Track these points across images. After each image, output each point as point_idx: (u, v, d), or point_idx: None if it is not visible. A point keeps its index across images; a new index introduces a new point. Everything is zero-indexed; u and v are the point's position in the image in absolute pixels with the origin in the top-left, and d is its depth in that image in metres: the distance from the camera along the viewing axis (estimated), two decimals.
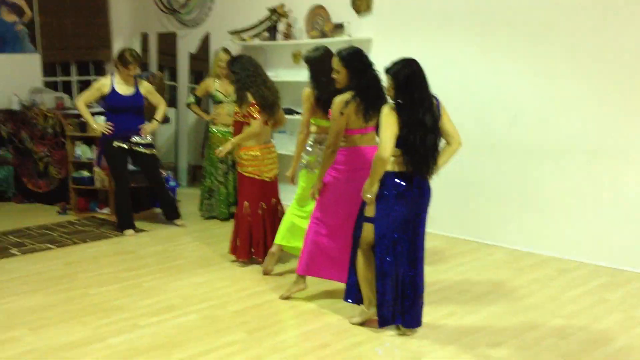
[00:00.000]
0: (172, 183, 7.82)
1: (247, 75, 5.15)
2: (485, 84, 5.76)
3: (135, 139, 6.45)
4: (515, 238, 5.75)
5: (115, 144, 6.39)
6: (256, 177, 5.32)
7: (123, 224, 6.60)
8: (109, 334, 4.10)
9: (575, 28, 5.23)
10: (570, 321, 4.21)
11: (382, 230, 3.88)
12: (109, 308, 4.55)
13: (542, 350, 3.81)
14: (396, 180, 3.80)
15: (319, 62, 4.65)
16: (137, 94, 6.44)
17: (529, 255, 5.57)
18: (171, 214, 6.97)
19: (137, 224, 6.71)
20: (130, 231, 6.55)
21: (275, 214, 5.49)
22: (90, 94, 6.44)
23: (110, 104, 6.40)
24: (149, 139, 6.60)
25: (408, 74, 3.70)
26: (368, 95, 4.13)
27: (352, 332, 4.08)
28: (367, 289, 4.07)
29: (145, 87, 6.53)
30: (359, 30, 6.52)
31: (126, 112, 6.39)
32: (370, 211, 3.93)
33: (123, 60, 6.27)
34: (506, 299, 4.63)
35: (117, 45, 9.44)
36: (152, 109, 6.65)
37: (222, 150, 5.48)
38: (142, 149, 6.51)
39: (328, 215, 4.45)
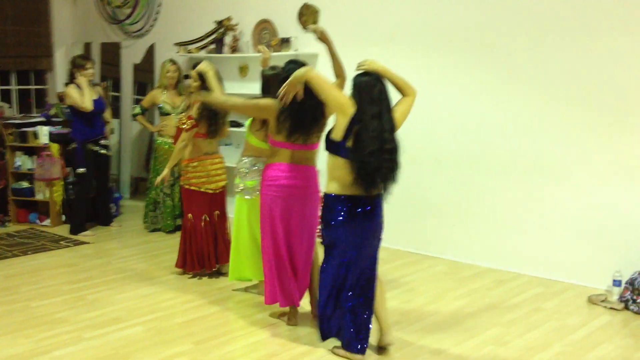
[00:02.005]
0: (116, 194, 7.78)
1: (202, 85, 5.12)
2: (429, 100, 5.89)
3: (102, 141, 6.95)
4: (457, 250, 5.93)
5: (89, 147, 6.80)
6: (196, 189, 5.33)
7: (79, 227, 6.87)
8: (52, 347, 4.05)
9: (513, 48, 5.45)
10: (508, 329, 4.38)
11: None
12: (52, 321, 4.49)
13: (481, 357, 3.96)
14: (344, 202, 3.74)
15: (273, 79, 4.36)
16: (100, 98, 6.89)
17: (469, 267, 5.74)
18: (108, 218, 7.29)
19: (79, 237, 6.72)
20: (88, 232, 6.87)
21: (220, 227, 5.47)
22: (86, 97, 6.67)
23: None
24: (107, 142, 7.07)
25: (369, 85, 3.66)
26: (296, 114, 3.99)
27: (299, 342, 4.14)
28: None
29: (98, 91, 7.01)
30: (305, 46, 6.62)
31: (96, 116, 6.82)
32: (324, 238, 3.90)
33: (77, 65, 6.74)
34: (447, 308, 4.77)
35: (59, 54, 9.30)
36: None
37: (158, 180, 5.56)
38: (105, 151, 7.02)
39: (274, 237, 4.20)
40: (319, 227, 3.97)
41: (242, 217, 4.75)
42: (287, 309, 4.44)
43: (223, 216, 5.51)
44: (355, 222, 3.74)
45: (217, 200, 5.44)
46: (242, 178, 4.72)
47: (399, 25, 6.08)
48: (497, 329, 4.39)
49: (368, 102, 3.63)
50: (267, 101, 4.09)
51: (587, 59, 5.09)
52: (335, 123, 3.74)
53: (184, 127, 5.24)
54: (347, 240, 3.77)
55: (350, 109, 3.65)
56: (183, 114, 5.57)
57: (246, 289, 5.11)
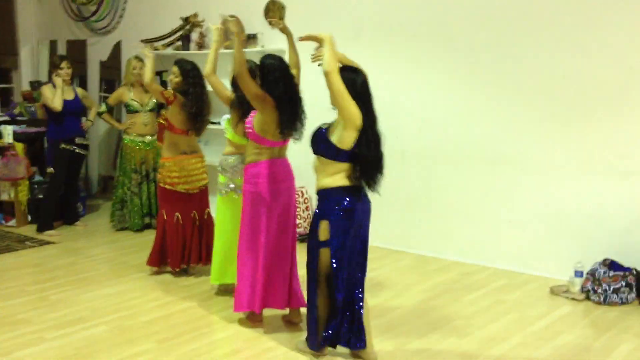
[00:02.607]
0: (82, 194, 7.72)
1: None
2: (394, 94, 5.94)
3: (78, 140, 6.91)
4: (422, 244, 5.98)
5: (62, 146, 6.77)
6: (171, 188, 5.23)
7: (46, 225, 6.83)
8: (14, 348, 4.02)
9: (476, 43, 5.51)
10: (469, 321, 4.43)
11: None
12: (14, 322, 4.45)
13: (443, 350, 4.00)
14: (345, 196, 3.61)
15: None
16: (77, 98, 6.92)
17: (435, 260, 5.80)
18: (73, 217, 7.25)
19: (43, 237, 6.69)
20: (53, 232, 6.80)
21: (196, 227, 5.33)
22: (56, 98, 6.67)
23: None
24: (85, 140, 7.09)
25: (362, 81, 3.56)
26: (286, 109, 3.98)
27: (262, 339, 4.15)
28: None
29: (80, 92, 7.12)
30: (272, 42, 6.61)
31: (70, 116, 6.80)
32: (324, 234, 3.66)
33: (53, 65, 6.88)
34: (410, 302, 4.81)
35: (24, 52, 9.21)
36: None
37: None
38: (81, 151, 7.01)
39: (258, 237, 4.15)
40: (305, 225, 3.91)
41: (227, 217, 4.67)
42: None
43: (201, 217, 5.37)
44: (354, 214, 3.62)
45: (194, 201, 5.32)
46: (230, 176, 4.65)
47: (363, 19, 6.12)
48: (459, 321, 4.44)
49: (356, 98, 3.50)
50: (267, 95, 3.96)
51: (548, 54, 5.16)
52: (341, 133, 3.52)
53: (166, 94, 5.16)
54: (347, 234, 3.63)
55: (360, 120, 3.49)
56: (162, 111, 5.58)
57: (218, 290, 4.99)
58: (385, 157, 3.61)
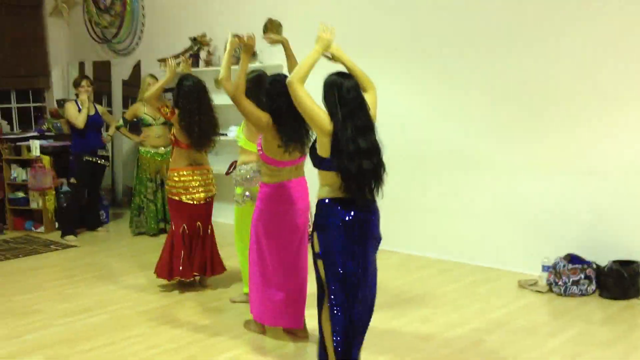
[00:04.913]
0: (105, 202, 8.35)
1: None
2: (379, 101, 6.38)
3: (99, 152, 7.58)
4: (408, 243, 6.38)
5: (85, 158, 7.42)
6: (177, 199, 5.36)
7: (68, 230, 7.48)
8: (24, 332, 4.60)
9: (447, 55, 5.95)
10: (435, 310, 4.83)
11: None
12: (28, 312, 5.03)
13: (405, 333, 4.42)
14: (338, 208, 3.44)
15: (250, 83, 4.33)
16: (97, 114, 7.56)
17: (419, 259, 6.20)
18: (96, 223, 7.89)
19: (66, 241, 7.34)
20: (73, 237, 7.42)
21: (200, 238, 5.42)
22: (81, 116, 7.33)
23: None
24: (106, 152, 7.80)
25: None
26: (286, 121, 3.94)
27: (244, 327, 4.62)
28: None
29: (100, 109, 7.73)
30: (270, 58, 7.14)
31: (91, 131, 7.45)
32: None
33: (75, 84, 7.59)
34: (388, 294, 5.20)
35: (55, 73, 9.94)
36: None
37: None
38: (102, 162, 7.68)
39: (265, 256, 4.23)
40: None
41: (247, 227, 4.52)
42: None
43: (205, 228, 5.45)
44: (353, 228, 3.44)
45: (199, 211, 5.38)
46: (246, 185, 4.70)
47: (347, 35, 6.51)
48: (426, 310, 4.85)
49: (336, 103, 3.37)
50: (264, 115, 4.00)
51: (508, 61, 5.60)
52: (318, 139, 3.50)
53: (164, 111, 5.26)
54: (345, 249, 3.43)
55: (327, 125, 3.37)
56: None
57: (230, 300, 5.18)
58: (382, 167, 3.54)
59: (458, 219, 6.04)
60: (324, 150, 3.43)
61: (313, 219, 3.59)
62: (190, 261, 5.38)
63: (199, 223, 5.42)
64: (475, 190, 5.91)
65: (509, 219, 5.70)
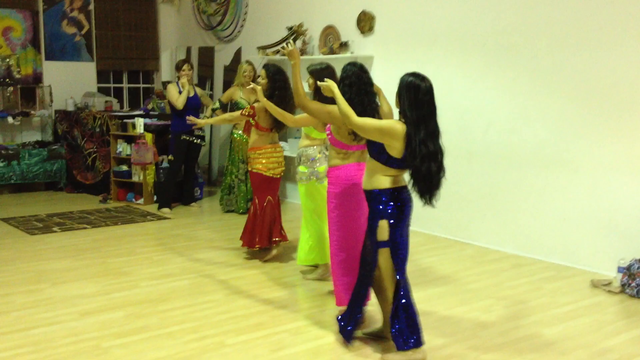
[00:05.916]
0: (200, 180, 8.84)
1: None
2: (464, 97, 6.46)
3: (197, 132, 8.08)
4: (485, 236, 6.41)
5: (183, 137, 7.97)
6: (264, 173, 5.79)
7: (164, 203, 8.07)
8: (113, 291, 5.04)
9: (537, 50, 5.89)
10: (498, 302, 4.88)
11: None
12: (119, 273, 5.50)
13: (465, 319, 4.51)
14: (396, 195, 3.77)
15: (318, 74, 4.71)
16: (195, 95, 8.04)
17: (494, 252, 6.21)
18: (190, 199, 8.41)
19: (161, 213, 7.88)
20: (167, 210, 8.00)
21: (278, 208, 6.02)
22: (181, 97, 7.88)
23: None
24: (203, 133, 8.33)
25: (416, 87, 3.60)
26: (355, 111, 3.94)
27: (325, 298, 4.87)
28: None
29: (199, 91, 8.24)
30: (362, 49, 7.33)
31: (190, 111, 7.76)
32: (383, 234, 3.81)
33: (176, 67, 8.20)
34: (454, 284, 5.31)
35: (164, 56, 10.57)
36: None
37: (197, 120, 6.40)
38: (198, 141, 8.20)
39: (343, 234, 4.42)
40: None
41: (311, 204, 5.13)
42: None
43: (278, 200, 6.00)
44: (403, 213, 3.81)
45: (278, 184, 5.92)
46: (310, 165, 5.09)
47: (439, 30, 6.66)
48: (490, 300, 4.91)
49: (411, 105, 3.59)
50: (333, 108, 4.18)
51: (599, 61, 5.47)
52: (389, 145, 3.69)
53: (244, 113, 5.84)
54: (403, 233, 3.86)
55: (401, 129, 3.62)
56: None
57: (304, 276, 5.45)
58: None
59: (537, 216, 6.01)
60: (395, 152, 3.68)
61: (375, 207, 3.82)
62: (270, 229, 5.87)
63: (278, 194, 5.98)
64: (555, 188, 5.85)
65: (588, 218, 5.62)
